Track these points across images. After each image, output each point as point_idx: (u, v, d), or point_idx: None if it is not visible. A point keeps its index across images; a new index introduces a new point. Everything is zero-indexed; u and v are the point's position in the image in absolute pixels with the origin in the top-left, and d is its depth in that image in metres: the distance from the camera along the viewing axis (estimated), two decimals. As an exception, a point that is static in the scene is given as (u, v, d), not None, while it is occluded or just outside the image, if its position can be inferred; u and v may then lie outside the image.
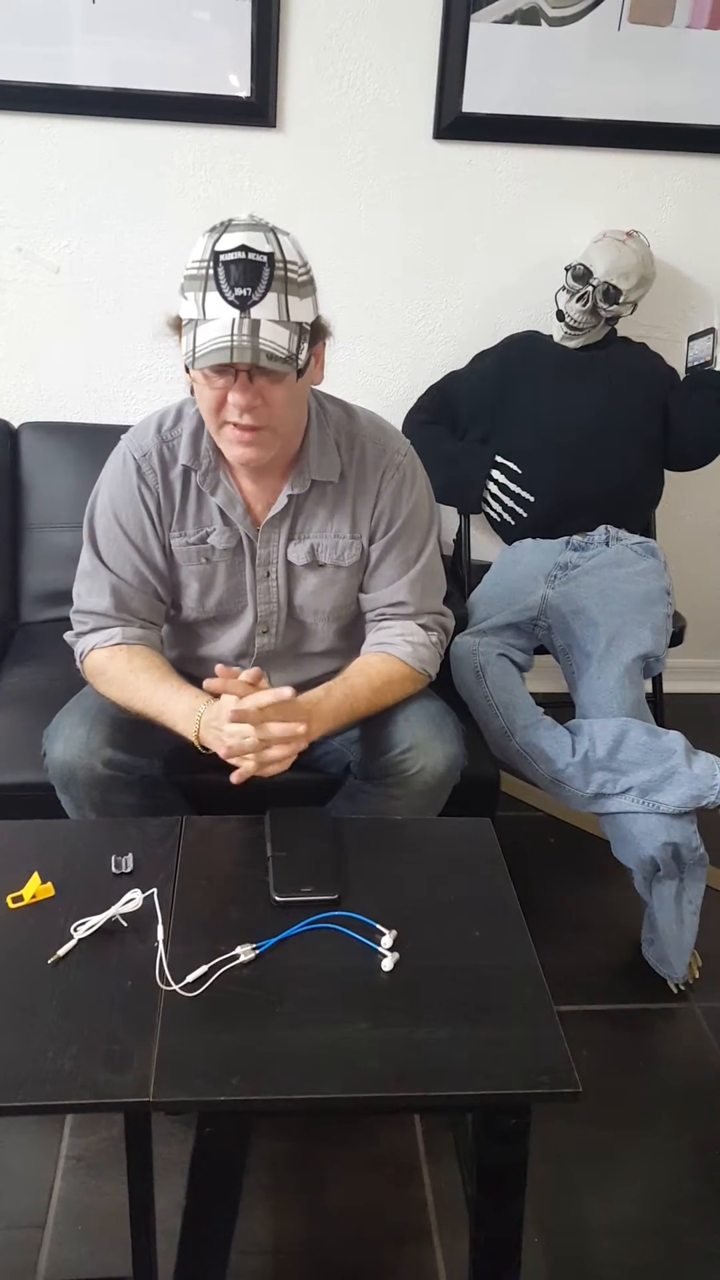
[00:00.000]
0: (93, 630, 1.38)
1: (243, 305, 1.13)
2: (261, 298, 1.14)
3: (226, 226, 1.16)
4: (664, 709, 2.08)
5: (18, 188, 1.98)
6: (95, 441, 1.97)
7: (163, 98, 1.93)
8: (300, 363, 1.18)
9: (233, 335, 1.13)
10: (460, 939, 1.06)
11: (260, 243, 1.14)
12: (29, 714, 1.66)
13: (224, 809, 1.26)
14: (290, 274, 1.16)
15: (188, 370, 1.21)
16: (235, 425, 1.22)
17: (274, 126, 1.97)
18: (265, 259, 1.13)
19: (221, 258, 1.13)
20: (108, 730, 1.28)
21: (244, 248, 1.13)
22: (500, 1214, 1.04)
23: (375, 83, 1.97)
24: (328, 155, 2.01)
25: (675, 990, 1.71)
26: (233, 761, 1.22)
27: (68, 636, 1.41)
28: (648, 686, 1.90)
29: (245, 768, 1.22)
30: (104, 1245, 1.25)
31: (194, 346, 1.15)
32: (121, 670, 1.32)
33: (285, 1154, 1.42)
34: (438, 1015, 0.97)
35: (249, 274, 1.13)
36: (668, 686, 2.12)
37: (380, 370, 2.18)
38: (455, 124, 2.00)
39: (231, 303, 1.13)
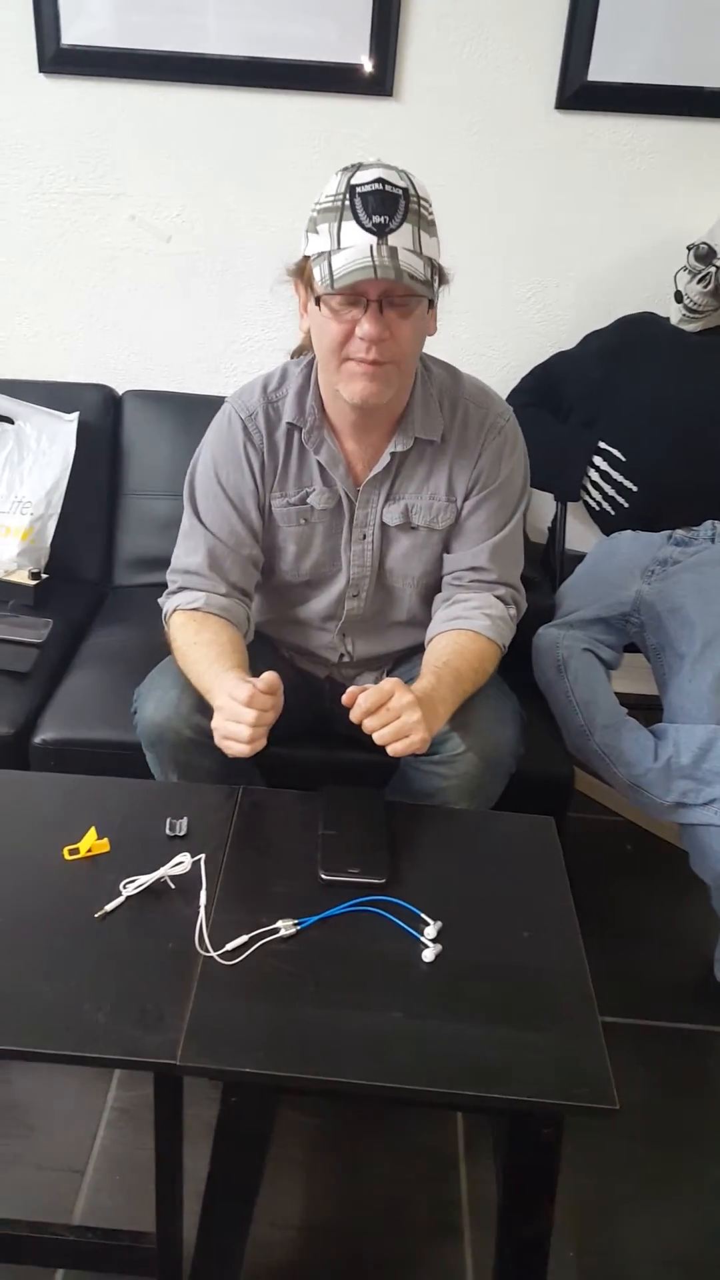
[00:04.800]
0: (181, 590, 1.39)
1: (380, 232, 1.15)
2: (399, 226, 1.15)
3: (359, 166, 1.18)
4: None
5: (138, 156, 2.01)
6: (195, 411, 2.01)
7: (281, 65, 1.92)
8: (434, 292, 1.20)
9: (373, 257, 1.14)
10: (507, 937, 1.03)
11: (395, 178, 1.17)
12: (110, 674, 1.71)
13: (292, 783, 1.26)
14: (422, 210, 1.18)
15: (317, 301, 1.21)
16: (360, 359, 1.21)
17: (391, 96, 1.94)
18: (401, 192, 1.16)
19: (358, 190, 1.15)
20: (196, 695, 1.29)
21: (380, 180, 1.15)
22: (527, 1223, 1.01)
23: (497, 52, 1.91)
24: (444, 126, 1.96)
25: (746, 1014, 1.64)
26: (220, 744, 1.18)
27: (160, 599, 1.43)
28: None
29: (236, 750, 1.16)
30: (138, 1198, 1.27)
31: (330, 271, 1.16)
32: (187, 641, 1.32)
33: (321, 1133, 1.42)
34: (475, 1013, 0.94)
35: (386, 204, 1.15)
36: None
37: (483, 348, 2.12)
38: (579, 94, 1.93)
39: (369, 229, 1.15)
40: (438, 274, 1.22)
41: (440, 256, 1.22)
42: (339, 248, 1.16)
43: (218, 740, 1.17)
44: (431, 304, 1.23)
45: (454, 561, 1.41)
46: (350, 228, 1.15)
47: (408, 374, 1.30)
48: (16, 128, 2.00)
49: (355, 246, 1.15)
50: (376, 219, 1.14)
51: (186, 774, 1.34)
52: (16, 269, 2.10)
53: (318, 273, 1.18)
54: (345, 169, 1.19)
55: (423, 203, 1.18)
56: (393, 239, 1.15)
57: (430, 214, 1.20)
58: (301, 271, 1.24)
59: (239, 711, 1.14)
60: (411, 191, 1.17)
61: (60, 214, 2.06)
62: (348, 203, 1.15)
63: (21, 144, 2.01)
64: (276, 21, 1.91)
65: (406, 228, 1.15)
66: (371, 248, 1.14)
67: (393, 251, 1.14)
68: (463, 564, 1.40)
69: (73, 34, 1.92)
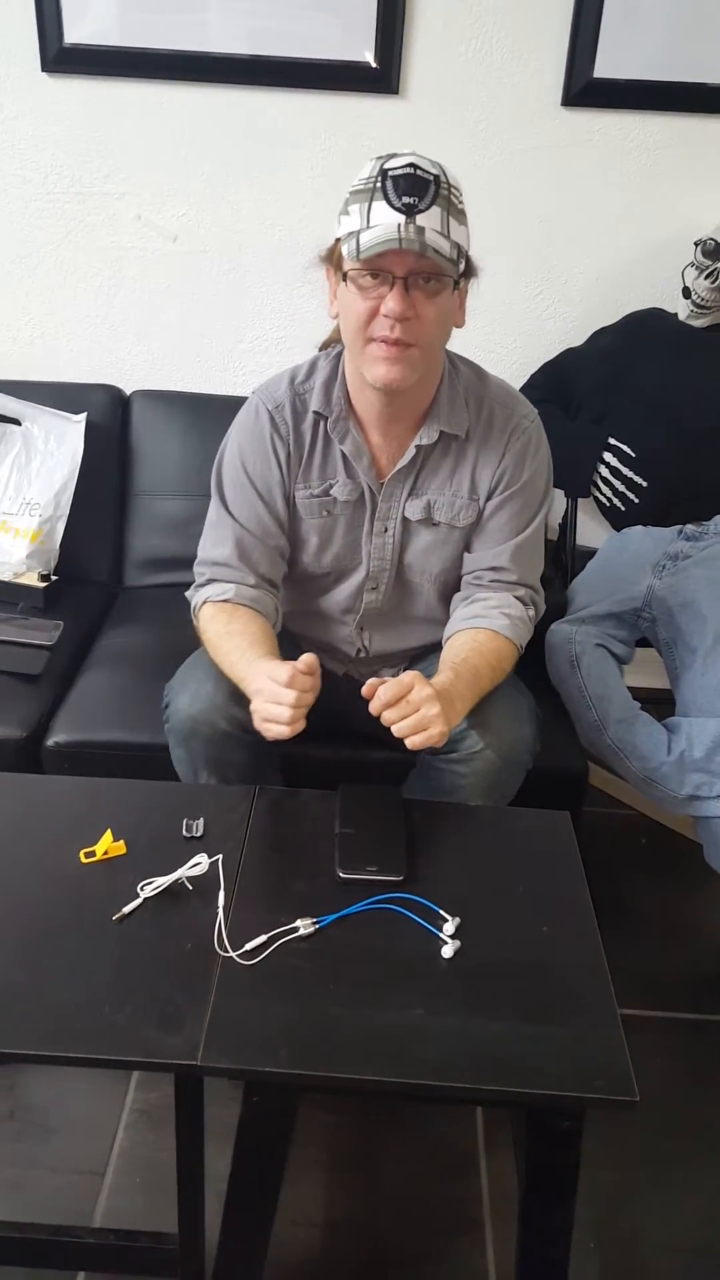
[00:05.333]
0: (210, 582, 1.39)
1: (409, 212, 1.16)
2: (428, 208, 1.17)
3: (392, 155, 1.20)
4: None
5: (142, 155, 2.01)
6: (203, 410, 2.02)
7: (285, 63, 1.92)
8: (458, 273, 1.21)
9: (400, 232, 1.16)
10: (526, 932, 1.03)
11: (427, 165, 1.19)
12: (121, 675, 1.71)
13: (309, 781, 1.26)
14: (453, 197, 1.20)
15: (345, 278, 1.22)
16: (384, 339, 1.22)
17: (397, 94, 1.94)
18: (432, 178, 1.18)
19: (390, 173, 1.17)
20: (231, 687, 1.29)
21: (412, 165, 1.18)
22: (548, 1216, 1.01)
23: (503, 48, 1.91)
24: (450, 123, 1.96)
25: (763, 1006, 1.63)
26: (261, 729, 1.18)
27: (188, 592, 1.43)
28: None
29: (276, 732, 1.16)
30: (159, 1199, 1.28)
31: (358, 245, 1.17)
32: (218, 632, 1.32)
33: (342, 1130, 1.42)
34: (495, 1008, 0.94)
35: (416, 186, 1.17)
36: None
37: (493, 345, 2.12)
38: (585, 90, 1.92)
39: (398, 209, 1.16)
40: (464, 260, 1.23)
41: (470, 246, 1.24)
42: (368, 225, 1.18)
43: (257, 723, 1.18)
44: (457, 285, 1.23)
45: (475, 561, 1.41)
46: (380, 207, 1.17)
47: (433, 360, 1.30)
48: (20, 127, 2.00)
49: (384, 224, 1.17)
50: (406, 199, 1.16)
51: (217, 768, 1.34)
52: (22, 269, 2.10)
53: (346, 250, 1.20)
54: (379, 156, 1.21)
55: (454, 190, 1.20)
56: (421, 219, 1.16)
57: (461, 203, 1.21)
58: (331, 255, 1.26)
59: (279, 693, 1.14)
60: (443, 179, 1.19)
61: (66, 214, 2.06)
62: (379, 185, 1.18)
63: (26, 144, 2.01)
64: (280, 19, 1.91)
65: (436, 210, 1.17)
66: (400, 225, 1.16)
67: (420, 230, 1.16)
68: (483, 563, 1.40)
69: (75, 33, 1.92)
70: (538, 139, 1.97)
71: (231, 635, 1.30)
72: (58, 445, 1.98)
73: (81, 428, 1.98)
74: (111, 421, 2.04)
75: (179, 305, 2.12)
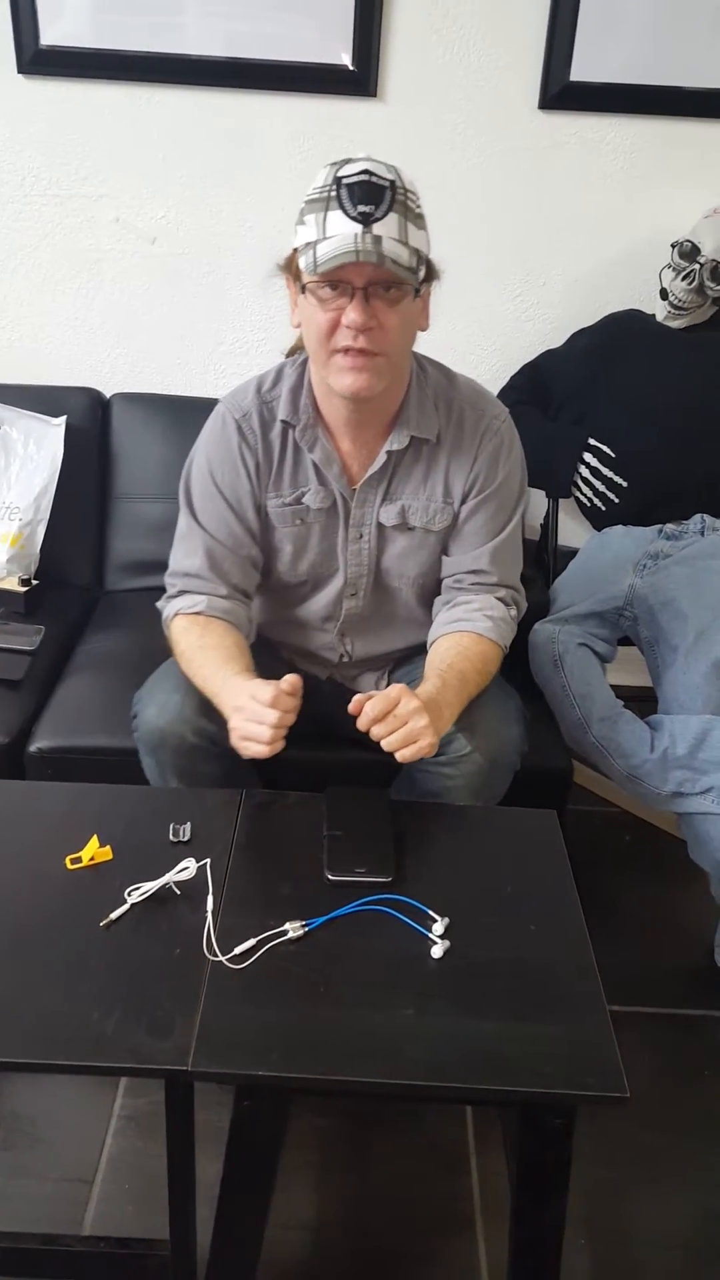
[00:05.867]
0: (181, 593, 1.38)
1: (365, 221, 1.15)
2: (384, 215, 1.15)
3: (346, 160, 1.18)
4: (754, 709, 1.99)
5: (120, 157, 2.00)
6: (184, 413, 2.01)
7: (263, 66, 1.92)
8: (418, 281, 1.20)
9: (357, 243, 1.14)
10: (514, 931, 1.03)
11: (382, 170, 1.17)
12: (104, 680, 1.70)
13: (295, 785, 1.26)
14: (410, 202, 1.19)
15: (303, 289, 1.21)
16: (347, 351, 1.21)
17: (374, 96, 1.94)
18: (387, 184, 1.16)
19: (344, 181, 1.16)
20: (199, 700, 1.28)
21: (367, 172, 1.16)
22: (541, 1213, 1.02)
23: (480, 51, 1.92)
24: (428, 126, 1.96)
25: (748, 1001, 1.65)
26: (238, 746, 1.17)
27: (159, 603, 1.42)
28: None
29: (255, 751, 1.16)
30: (148, 1206, 1.27)
31: (315, 258, 1.16)
32: (191, 645, 1.31)
33: (333, 1132, 1.42)
34: (485, 1007, 0.94)
35: (372, 194, 1.15)
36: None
37: (473, 347, 2.13)
38: (562, 93, 1.93)
39: (354, 218, 1.15)
40: (425, 266, 1.22)
41: (430, 250, 1.23)
42: (324, 236, 1.16)
43: (234, 740, 1.17)
44: (419, 293, 1.22)
45: (454, 565, 1.41)
46: (336, 217, 1.16)
47: (399, 367, 1.29)
48: (-3, 130, 1.99)
49: (340, 235, 1.15)
50: (362, 208, 1.15)
51: (186, 779, 1.33)
52: (0, 272, 2.09)
53: (303, 261, 1.19)
54: (333, 163, 1.19)
55: (410, 194, 1.19)
56: (378, 228, 1.15)
57: (418, 207, 1.20)
58: (290, 265, 1.24)
59: (262, 713, 1.13)
60: (399, 183, 1.17)
61: (43, 216, 2.04)
62: (334, 193, 1.16)
63: (2, 146, 1.99)
64: (256, 21, 1.90)
65: (393, 217, 1.16)
66: (356, 235, 1.15)
67: (377, 239, 1.15)
68: (463, 566, 1.40)
69: (51, 35, 1.91)
70: (515, 142, 1.98)
71: (205, 649, 1.30)
72: (37, 449, 1.97)
73: (61, 431, 1.97)
74: (91, 424, 2.03)
75: (159, 307, 2.11)
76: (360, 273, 1.17)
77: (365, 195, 1.15)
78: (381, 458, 1.34)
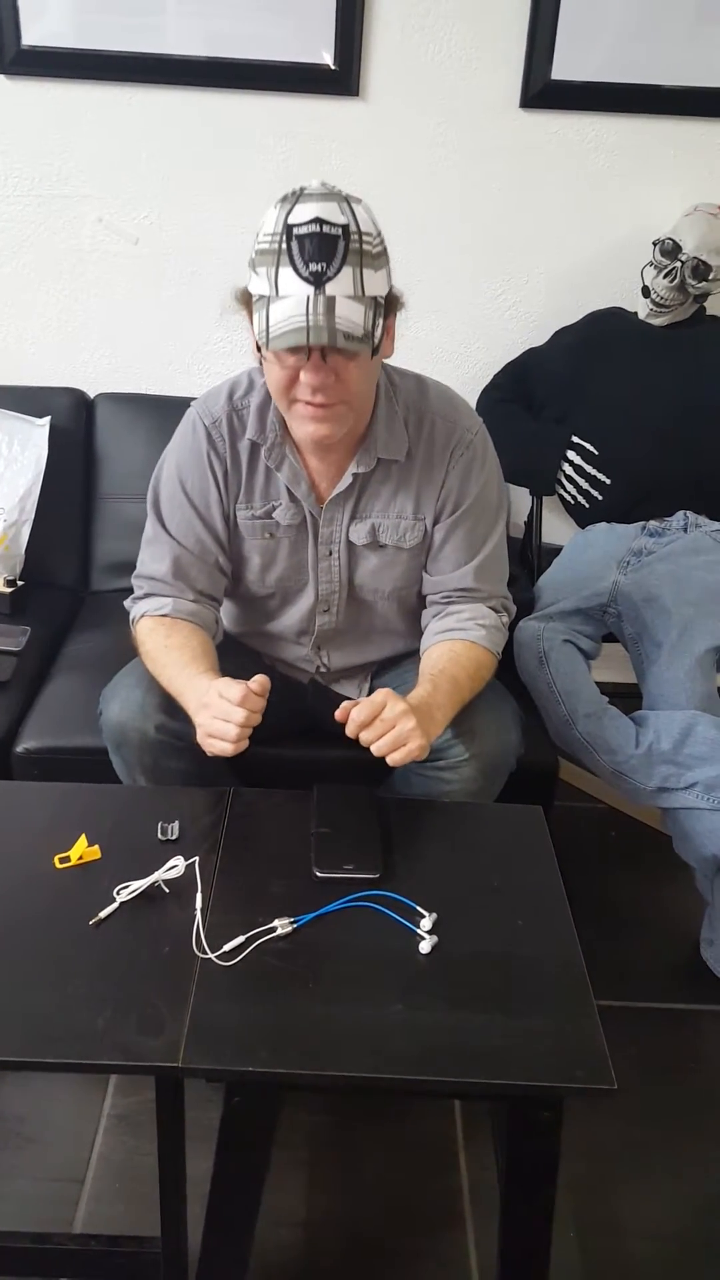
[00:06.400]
0: (147, 596, 1.38)
1: (317, 281, 1.10)
2: (337, 273, 1.11)
3: (298, 197, 1.13)
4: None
5: (102, 158, 2.00)
6: (168, 413, 1.97)
7: (245, 66, 1.92)
8: (375, 340, 1.16)
9: (308, 314, 1.10)
10: (502, 926, 1.04)
11: (334, 214, 1.11)
12: (90, 680, 1.68)
13: (270, 783, 1.26)
14: (365, 246, 1.13)
15: (259, 349, 1.20)
16: (308, 402, 1.20)
17: (356, 95, 1.94)
18: (340, 231, 1.10)
19: (295, 231, 1.10)
20: (162, 696, 1.29)
21: (318, 220, 1.10)
22: (530, 1206, 1.02)
23: (462, 51, 1.92)
24: (410, 125, 1.97)
25: (733, 993, 1.66)
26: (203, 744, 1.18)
27: (126, 602, 1.42)
28: (720, 680, 1.83)
29: (219, 748, 1.16)
30: (139, 1204, 1.27)
31: (268, 326, 1.13)
32: (157, 645, 1.31)
33: (322, 1129, 1.42)
34: (473, 1001, 0.95)
35: (324, 248, 1.10)
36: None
37: (456, 346, 2.13)
38: (543, 92, 1.94)
39: (306, 279, 1.11)
40: (381, 311, 1.17)
41: (390, 284, 1.18)
42: (277, 295, 1.12)
43: (200, 737, 1.17)
44: (377, 351, 1.18)
45: (439, 584, 1.40)
46: (287, 275, 1.11)
47: (362, 407, 1.28)
48: (-21, 131, 1.98)
49: (293, 297, 1.11)
50: (314, 266, 1.10)
51: (154, 776, 1.34)
52: (-18, 274, 2.08)
53: (257, 321, 1.15)
54: (284, 199, 1.13)
55: (365, 238, 1.13)
56: (330, 287, 1.10)
57: (376, 246, 1.15)
58: (246, 303, 1.19)
59: (229, 711, 1.14)
60: (352, 228, 1.11)
61: (25, 217, 2.04)
62: (284, 246, 1.11)
63: (-16, 147, 1.99)
64: (237, 21, 1.90)
65: (346, 272, 1.11)
66: (309, 300, 1.10)
67: (330, 303, 1.10)
68: (449, 585, 1.39)
69: (33, 35, 1.90)
70: (497, 140, 1.99)
71: (170, 649, 1.30)
72: (21, 449, 1.97)
73: (45, 431, 1.96)
74: (76, 425, 2.03)
75: (142, 308, 2.11)
76: (315, 343, 1.12)
77: (316, 251, 1.10)
78: (348, 479, 1.33)
